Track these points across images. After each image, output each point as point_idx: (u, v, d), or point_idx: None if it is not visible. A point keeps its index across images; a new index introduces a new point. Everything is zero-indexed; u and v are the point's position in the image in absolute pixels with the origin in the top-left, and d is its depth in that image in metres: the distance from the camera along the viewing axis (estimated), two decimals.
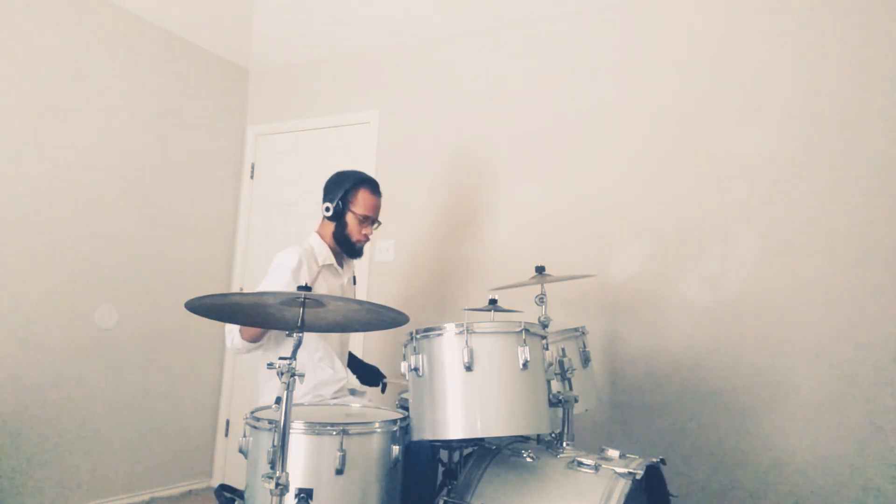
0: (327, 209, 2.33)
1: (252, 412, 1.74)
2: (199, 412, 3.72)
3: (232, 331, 2.19)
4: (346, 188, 2.33)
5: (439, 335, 1.71)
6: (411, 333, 1.78)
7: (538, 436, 2.08)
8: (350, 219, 2.34)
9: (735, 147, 2.68)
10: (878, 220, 2.39)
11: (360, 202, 2.33)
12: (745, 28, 2.73)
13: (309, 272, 2.24)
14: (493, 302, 2.24)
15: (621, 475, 1.68)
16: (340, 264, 2.41)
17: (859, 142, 2.46)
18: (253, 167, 4.02)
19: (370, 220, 2.36)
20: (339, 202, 2.32)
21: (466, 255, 3.23)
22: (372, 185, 2.37)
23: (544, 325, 2.11)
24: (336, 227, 2.35)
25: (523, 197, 3.12)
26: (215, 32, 3.82)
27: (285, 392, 1.41)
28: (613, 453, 1.83)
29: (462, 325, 1.68)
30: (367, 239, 2.39)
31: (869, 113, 2.46)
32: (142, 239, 3.41)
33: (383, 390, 2.56)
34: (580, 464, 1.75)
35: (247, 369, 3.72)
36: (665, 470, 1.89)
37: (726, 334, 2.59)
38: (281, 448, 1.40)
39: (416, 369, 1.73)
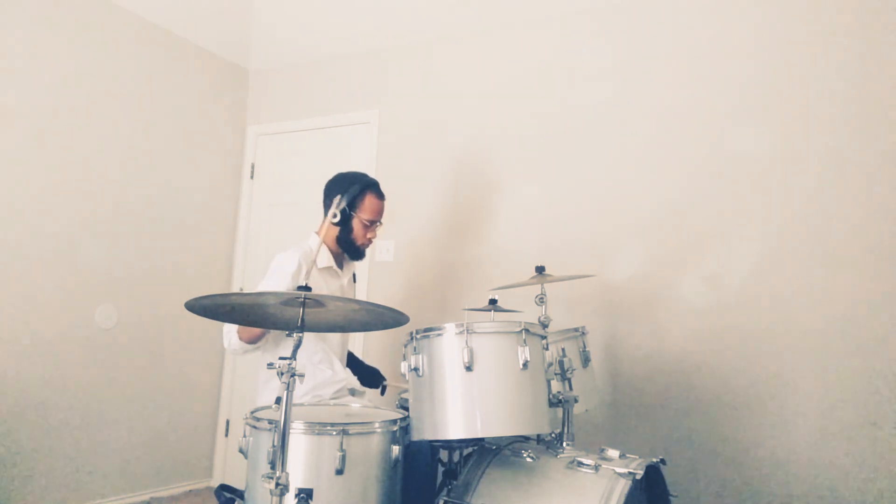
0: (334, 216, 2.31)
1: (252, 412, 1.74)
2: (199, 412, 3.72)
3: (230, 332, 2.18)
4: (353, 194, 2.29)
5: (439, 335, 1.71)
6: (411, 333, 1.77)
7: (538, 436, 2.07)
8: (356, 224, 2.32)
9: (735, 147, 2.68)
10: (878, 220, 2.39)
11: (368, 207, 2.32)
12: (746, 28, 2.73)
13: (308, 275, 2.23)
14: (493, 302, 2.24)
15: (621, 475, 1.68)
16: (340, 265, 2.41)
17: (859, 141, 2.46)
18: (253, 167, 4.02)
19: (376, 223, 2.36)
20: (346, 207, 2.29)
21: (466, 254, 3.23)
22: (377, 189, 2.36)
23: (544, 325, 2.11)
24: (341, 231, 2.33)
25: (523, 197, 3.12)
26: (215, 32, 3.82)
27: (285, 392, 1.41)
28: (613, 453, 1.83)
29: (462, 325, 1.68)
30: (371, 242, 2.38)
31: (868, 113, 2.46)
32: (142, 239, 3.41)
33: (382, 392, 2.57)
34: (580, 464, 1.75)
35: (247, 369, 3.72)
36: (665, 470, 1.89)
37: (726, 334, 2.59)
38: (281, 448, 1.40)
39: (416, 369, 1.73)
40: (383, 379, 2.58)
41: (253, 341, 2.18)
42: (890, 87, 2.44)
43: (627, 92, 2.94)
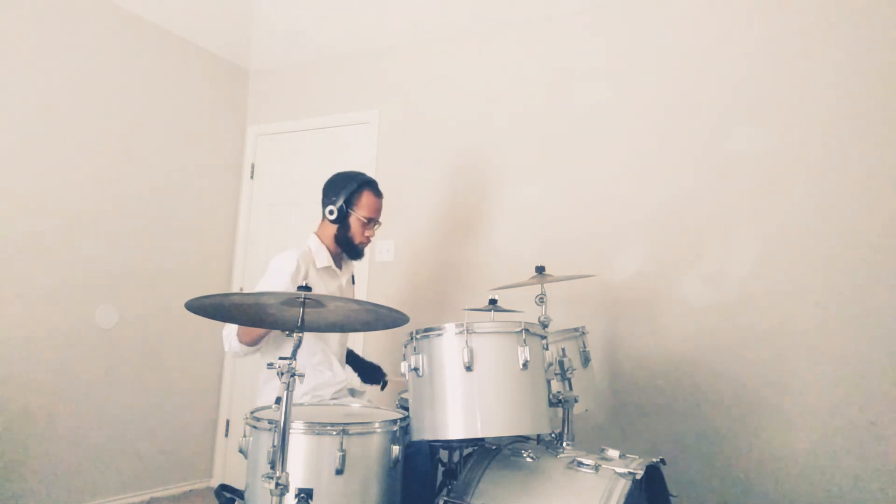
0: (330, 212, 2.30)
1: (252, 412, 1.74)
2: (199, 412, 3.72)
3: (230, 335, 2.17)
4: (349, 191, 2.30)
5: (439, 335, 1.71)
6: (411, 333, 1.78)
7: (538, 436, 2.08)
8: (353, 222, 2.32)
9: (735, 147, 2.68)
10: (877, 220, 2.39)
11: (364, 205, 2.32)
12: (745, 28, 2.73)
13: (307, 276, 2.22)
14: (493, 302, 2.24)
15: (621, 475, 1.68)
16: (339, 265, 2.41)
17: (858, 142, 2.46)
18: (253, 167, 4.02)
19: (373, 221, 2.36)
20: (343, 205, 2.30)
21: (466, 254, 3.23)
22: (374, 187, 2.36)
23: (544, 325, 2.11)
24: (338, 229, 2.33)
25: (523, 197, 3.12)
26: (215, 32, 3.82)
27: (285, 392, 1.41)
28: (613, 453, 1.83)
29: (462, 325, 1.68)
30: (368, 241, 2.38)
31: (866, 113, 2.46)
32: (142, 239, 3.41)
33: (383, 387, 2.56)
34: (580, 464, 1.75)
35: (247, 369, 3.72)
36: (665, 470, 1.89)
37: (726, 334, 2.59)
38: (281, 448, 1.40)
39: (416, 369, 1.73)
40: (384, 374, 2.58)
41: (253, 343, 2.17)
42: (885, 85, 2.44)
43: (627, 92, 2.94)
